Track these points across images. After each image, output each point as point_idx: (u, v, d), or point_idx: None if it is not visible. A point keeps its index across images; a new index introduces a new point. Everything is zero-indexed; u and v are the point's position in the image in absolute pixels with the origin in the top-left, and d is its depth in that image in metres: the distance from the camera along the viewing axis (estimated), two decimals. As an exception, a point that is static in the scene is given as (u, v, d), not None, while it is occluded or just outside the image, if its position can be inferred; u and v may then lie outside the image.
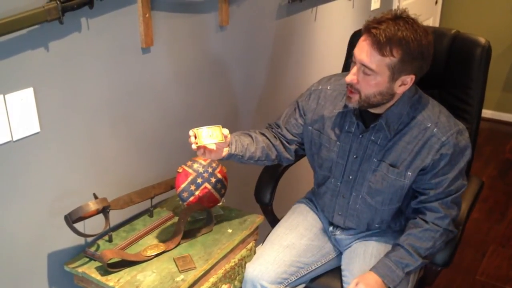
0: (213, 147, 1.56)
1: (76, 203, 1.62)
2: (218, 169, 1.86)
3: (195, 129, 1.57)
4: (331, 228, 1.82)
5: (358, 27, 2.10)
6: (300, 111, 1.77)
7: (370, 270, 1.59)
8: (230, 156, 1.65)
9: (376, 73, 1.45)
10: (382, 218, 1.69)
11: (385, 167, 1.59)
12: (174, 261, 1.64)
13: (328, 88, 1.72)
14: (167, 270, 1.60)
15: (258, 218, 1.89)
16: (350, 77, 1.50)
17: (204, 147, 1.57)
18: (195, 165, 1.83)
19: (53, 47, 1.45)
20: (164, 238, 1.76)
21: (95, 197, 1.65)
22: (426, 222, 1.59)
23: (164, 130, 1.95)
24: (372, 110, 1.58)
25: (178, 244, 1.72)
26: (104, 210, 1.63)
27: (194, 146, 1.55)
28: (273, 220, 2.05)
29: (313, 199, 1.93)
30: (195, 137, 1.56)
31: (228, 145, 1.63)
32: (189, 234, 1.77)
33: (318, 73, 2.98)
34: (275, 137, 1.80)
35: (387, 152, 1.58)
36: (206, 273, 1.64)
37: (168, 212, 1.91)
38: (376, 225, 1.72)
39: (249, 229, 1.83)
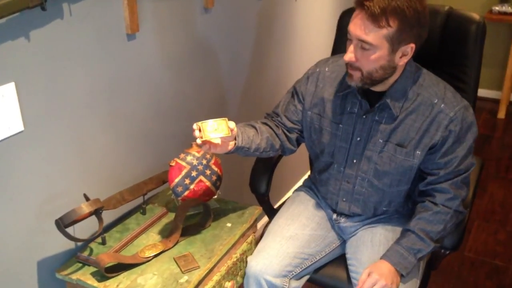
0: (219, 141, 1.46)
1: (65, 205, 1.50)
2: (212, 161, 1.76)
3: (200, 122, 1.47)
4: (334, 216, 1.75)
5: (343, 6, 2.03)
6: (298, 96, 1.68)
7: (381, 259, 1.54)
8: (236, 149, 1.56)
9: (375, 47, 1.38)
10: (390, 200, 1.63)
11: (392, 147, 1.53)
12: (175, 261, 1.54)
13: (327, 70, 1.64)
14: (168, 271, 1.50)
15: (256, 210, 1.80)
16: (348, 56, 1.42)
17: (209, 142, 1.47)
18: (189, 158, 1.73)
19: (35, 37, 1.32)
20: (161, 236, 1.66)
21: (86, 198, 1.53)
22: (436, 204, 1.54)
23: (153, 121, 1.84)
24: (375, 88, 1.51)
25: (177, 243, 1.62)
26: (97, 212, 1.52)
27: (199, 141, 1.45)
28: (270, 210, 1.97)
29: (312, 187, 1.85)
30: (200, 131, 1.45)
31: (234, 138, 1.53)
32: (187, 230, 1.67)
33: (301, 53, 2.91)
34: (277, 126, 1.71)
35: (393, 131, 1.52)
36: (210, 271, 1.55)
37: (161, 208, 1.80)
38: (384, 208, 1.66)
39: (248, 222, 1.74)
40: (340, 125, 1.59)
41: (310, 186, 1.87)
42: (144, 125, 1.80)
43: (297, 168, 3.08)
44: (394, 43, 1.37)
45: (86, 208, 1.46)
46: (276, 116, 1.73)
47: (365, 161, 1.58)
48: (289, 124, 1.70)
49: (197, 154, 1.74)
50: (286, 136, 1.71)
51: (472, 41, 1.83)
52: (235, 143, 1.55)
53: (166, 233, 1.67)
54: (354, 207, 1.68)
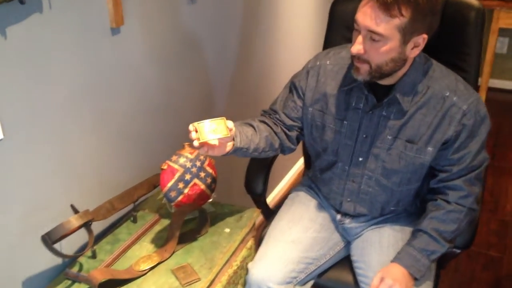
0: (216, 142, 1.35)
1: (50, 217, 1.38)
2: (206, 162, 1.65)
3: (196, 123, 1.35)
4: (338, 217, 1.66)
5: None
6: (298, 91, 1.58)
7: (393, 262, 1.45)
8: (235, 150, 1.45)
9: (385, 38, 1.28)
10: (398, 199, 1.55)
11: (402, 144, 1.44)
12: (173, 273, 1.43)
13: (328, 63, 1.53)
14: (167, 285, 1.39)
15: (255, 213, 1.70)
16: (356, 48, 1.32)
17: (207, 144, 1.36)
18: (181, 160, 1.61)
19: (12, 33, 1.18)
20: (155, 246, 1.54)
21: (74, 209, 1.40)
22: (449, 202, 1.46)
23: (142, 121, 1.71)
24: (382, 82, 1.41)
25: (173, 252, 1.51)
26: (86, 224, 1.39)
27: (196, 144, 1.34)
28: (267, 212, 1.87)
29: (313, 186, 1.76)
30: (196, 132, 1.34)
31: (232, 139, 1.42)
32: (183, 238, 1.56)
33: (288, 42, 2.81)
34: (275, 124, 1.60)
35: (403, 127, 1.43)
36: (211, 283, 1.44)
37: (153, 215, 1.68)
38: (392, 208, 1.58)
39: (247, 226, 1.64)
40: (345, 122, 1.50)
41: (310, 186, 1.77)
42: (131, 126, 1.67)
43: (285, 163, 2.98)
44: (406, 33, 1.28)
45: (75, 221, 1.33)
46: (274, 113, 1.62)
47: (372, 159, 1.49)
48: (289, 122, 1.60)
49: (190, 156, 1.62)
50: (286, 134, 1.60)
51: (472, 28, 1.74)
52: (233, 144, 1.45)
53: (160, 242, 1.55)
54: (359, 207, 1.59)
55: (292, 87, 1.60)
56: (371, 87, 1.43)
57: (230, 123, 1.40)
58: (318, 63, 1.55)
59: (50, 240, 1.28)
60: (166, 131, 1.84)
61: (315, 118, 1.55)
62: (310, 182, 1.78)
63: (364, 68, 1.34)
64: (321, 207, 1.70)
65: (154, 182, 1.69)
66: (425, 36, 1.31)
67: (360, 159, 1.51)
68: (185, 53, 1.86)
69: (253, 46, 2.43)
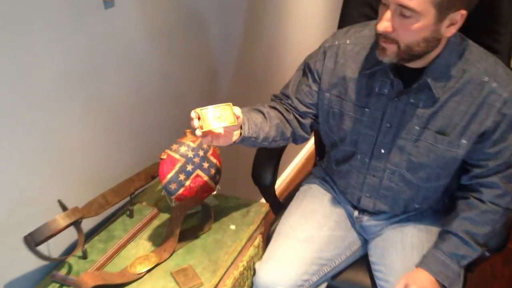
0: (221, 131, 1.19)
1: (36, 214, 1.23)
2: (210, 151, 1.49)
3: (199, 109, 1.19)
4: (356, 213, 1.51)
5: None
6: (313, 74, 1.41)
7: (418, 267, 1.30)
8: (242, 140, 1.29)
9: (418, 14, 1.10)
10: (424, 196, 1.39)
11: (431, 135, 1.27)
12: (173, 276, 1.28)
13: (348, 42, 1.36)
14: (166, 290, 1.25)
15: (263, 207, 1.55)
16: (384, 25, 1.14)
17: (211, 133, 1.20)
18: (182, 149, 1.45)
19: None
20: (153, 244, 1.40)
21: (62, 205, 1.25)
22: (483, 202, 1.30)
23: (138, 106, 1.55)
24: (411, 65, 1.24)
25: (173, 252, 1.36)
26: (76, 222, 1.24)
27: (199, 132, 1.18)
28: (275, 205, 1.71)
29: (327, 179, 1.60)
30: (199, 119, 1.18)
31: (240, 127, 1.26)
32: (184, 236, 1.41)
33: (298, 19, 2.62)
34: (287, 110, 1.44)
35: (433, 116, 1.26)
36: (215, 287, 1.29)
37: (150, 209, 1.53)
38: (416, 206, 1.42)
39: (255, 222, 1.49)
40: (366, 109, 1.33)
41: (324, 178, 1.61)
42: (127, 111, 1.51)
43: (292, 148, 2.82)
44: (442, 9, 1.10)
45: (62, 220, 1.18)
46: (286, 98, 1.46)
47: (397, 152, 1.33)
48: (302, 108, 1.43)
49: (192, 144, 1.47)
50: (299, 121, 1.44)
51: (506, 4, 1.56)
52: (240, 133, 1.29)
53: (159, 241, 1.40)
54: (380, 203, 1.44)
55: (307, 69, 1.43)
56: (397, 71, 1.26)
57: (237, 110, 1.24)
58: (336, 42, 1.37)
59: (33, 241, 1.13)
60: (166, 117, 1.68)
61: (332, 104, 1.38)
62: (324, 174, 1.62)
63: (392, 48, 1.17)
64: (336, 202, 1.55)
65: (152, 173, 1.54)
66: (463, 12, 1.14)
67: (383, 151, 1.35)
68: (186, 31, 1.69)
69: (261, 23, 2.24)
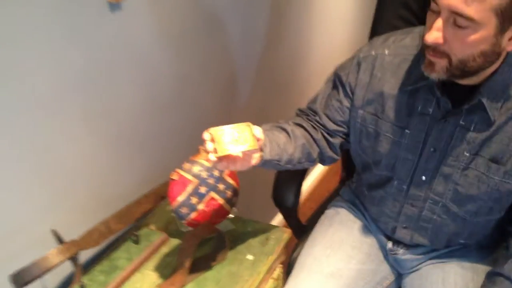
0: (239, 154, 1.03)
1: (26, 246, 1.08)
2: (226, 171, 1.33)
3: (213, 129, 1.03)
4: (390, 245, 1.33)
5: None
6: (345, 88, 1.23)
7: (464, 314, 1.13)
8: (263, 163, 1.13)
9: (476, 24, 0.91)
10: (471, 231, 1.22)
11: (483, 164, 1.09)
12: (181, 318, 1.13)
13: (387, 53, 1.18)
14: (173, 335, 1.09)
15: (285, 234, 1.38)
16: (433, 36, 0.96)
17: (227, 158, 1.04)
18: (195, 168, 1.29)
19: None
20: (161, 276, 1.24)
21: (57, 237, 1.10)
22: (542, 241, 1.12)
23: (148, 118, 1.39)
24: (463, 82, 1.06)
25: (182, 287, 1.21)
26: (72, 257, 1.09)
27: (212, 157, 1.02)
28: (298, 228, 1.55)
29: (357, 203, 1.43)
30: (213, 141, 1.02)
31: (260, 149, 1.10)
32: (195, 266, 1.25)
33: (326, 19, 2.43)
34: (314, 128, 1.27)
35: (487, 142, 1.08)
36: (229, 332, 1.14)
37: (159, 234, 1.37)
38: (461, 241, 1.24)
39: (275, 252, 1.32)
40: (406, 131, 1.15)
41: (354, 202, 1.44)
42: (135, 124, 1.35)
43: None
44: (506, 18, 0.92)
45: (54, 258, 1.03)
46: (313, 114, 1.29)
47: (441, 180, 1.15)
48: (332, 126, 1.26)
49: (206, 163, 1.31)
50: (327, 141, 1.27)
51: None
52: (261, 156, 1.12)
53: (167, 271, 1.25)
54: (418, 236, 1.26)
55: (338, 82, 1.25)
56: (444, 87, 1.08)
57: (258, 130, 1.08)
58: (373, 52, 1.20)
59: (21, 281, 0.98)
60: (178, 130, 1.52)
61: (367, 123, 1.21)
62: (354, 197, 1.45)
63: (441, 63, 0.99)
64: (367, 231, 1.38)
65: (161, 193, 1.38)
66: None
67: (424, 178, 1.17)
68: (202, 32, 1.52)
69: (285, 24, 2.07)
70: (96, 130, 1.22)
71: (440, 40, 0.95)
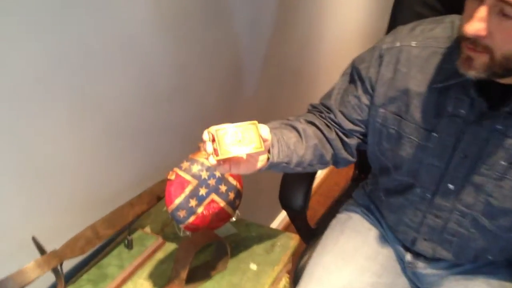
0: (243, 156, 0.91)
1: (5, 254, 0.96)
2: (229, 171, 1.20)
3: (214, 128, 0.91)
4: (408, 257, 1.21)
5: None
6: (364, 83, 1.09)
7: None
8: (270, 166, 1.01)
9: None
10: (502, 247, 1.09)
11: None
12: (176, 337, 1.01)
13: (413, 44, 1.04)
14: None
15: (292, 240, 1.26)
16: (475, 27, 0.82)
17: (229, 160, 0.92)
18: (195, 168, 1.17)
19: None
20: (155, 286, 1.13)
21: (38, 246, 0.98)
22: None
23: (143, 111, 1.26)
24: (504, 80, 0.92)
25: (178, 300, 1.09)
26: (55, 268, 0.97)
27: (213, 160, 0.90)
28: (306, 232, 1.43)
29: (372, 208, 1.30)
30: (213, 141, 0.90)
31: (268, 150, 0.98)
32: (192, 275, 1.14)
33: (336, 7, 2.28)
34: (328, 126, 1.13)
35: None
36: None
37: (154, 238, 1.25)
38: (489, 257, 1.12)
39: (281, 261, 1.21)
40: (434, 134, 1.02)
41: (368, 207, 1.31)
42: (128, 118, 1.22)
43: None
44: None
45: (33, 272, 0.91)
46: (327, 111, 1.15)
47: (471, 190, 1.02)
48: (348, 125, 1.12)
49: (206, 162, 1.18)
50: (342, 141, 1.14)
51: None
52: (268, 158, 1.00)
53: (162, 281, 1.14)
54: (441, 250, 1.13)
55: (356, 76, 1.12)
56: (480, 86, 0.94)
57: (265, 130, 0.95)
58: (397, 44, 1.05)
59: (-7, 298, 0.87)
60: (176, 125, 1.39)
61: (388, 123, 1.07)
62: (369, 201, 1.32)
63: (482, 59, 0.85)
64: (383, 240, 1.25)
65: (158, 193, 1.26)
66: None
67: (451, 187, 1.04)
68: (204, 17, 1.39)
69: (295, 8, 1.92)
70: (82, 125, 1.09)
71: (483, 32, 0.82)
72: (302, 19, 1.98)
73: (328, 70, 2.28)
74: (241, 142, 0.92)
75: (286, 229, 2.33)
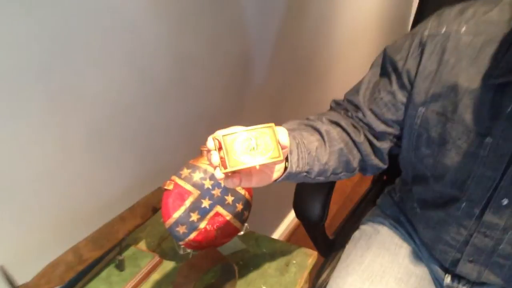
0: (256, 166, 0.73)
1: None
2: (236, 178, 1.03)
3: (221, 133, 0.73)
4: (448, 280, 1.03)
5: None
6: (400, 77, 0.91)
7: None
8: (288, 177, 0.83)
9: None
10: None
11: None
12: None
13: (463, 30, 0.85)
14: None
15: (310, 258, 1.09)
16: None
17: (239, 173, 0.75)
18: (197, 176, 1.00)
19: None
20: (149, 318, 0.96)
21: (7, 277, 0.80)
22: None
23: (136, 109, 1.08)
24: None
25: (177, 335, 0.92)
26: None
27: (219, 174, 0.72)
28: (324, 246, 1.25)
29: (403, 221, 1.12)
30: (220, 149, 0.72)
31: (286, 158, 0.80)
32: (194, 304, 0.96)
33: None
34: (356, 128, 0.95)
35: None
36: None
37: (150, 256, 1.08)
38: (546, 284, 0.94)
39: (298, 284, 1.03)
40: (488, 139, 0.83)
41: (398, 219, 1.13)
42: (116, 116, 1.04)
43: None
44: None
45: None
46: (355, 109, 0.97)
47: (531, 207, 0.84)
48: (379, 127, 0.94)
49: (210, 169, 1.01)
50: (372, 145, 0.96)
51: None
52: (285, 167, 0.82)
53: (158, 311, 0.96)
54: (489, 273, 0.96)
55: (390, 68, 0.93)
56: None
57: (283, 135, 0.76)
58: (443, 29, 0.87)
59: None
60: (175, 124, 1.21)
61: (430, 126, 0.89)
62: (398, 212, 1.14)
63: None
64: (417, 258, 1.07)
65: (153, 204, 1.08)
66: None
67: (505, 202, 0.86)
68: (209, 2, 1.20)
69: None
70: (61, 124, 0.91)
71: None
72: (315, 4, 1.79)
73: (343, 58, 2.09)
74: (254, 150, 0.74)
75: (290, 238, 2.14)
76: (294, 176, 0.85)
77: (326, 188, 1.19)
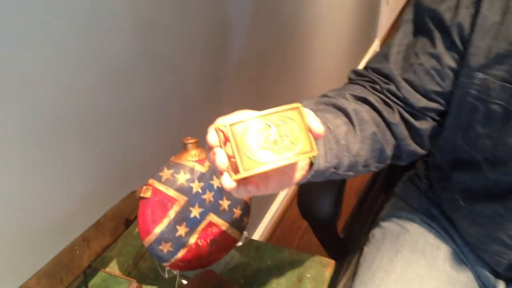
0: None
1: None
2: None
3: (227, 122, 0.52)
4: (501, 287, 0.84)
5: None
6: (448, 34, 0.69)
7: None
8: (314, 175, 0.62)
9: None
10: None
11: None
12: None
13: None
14: None
15: (327, 268, 0.87)
16: None
17: (256, 179, 0.54)
18: (181, 177, 0.77)
19: None
20: None
21: None
22: None
23: (94, 92, 0.83)
24: None
25: None
26: None
27: (229, 183, 0.50)
28: (336, 248, 1.04)
29: (435, 215, 0.92)
30: (226, 143, 0.49)
31: None
32: None
33: None
34: (387, 105, 0.73)
35: None
36: None
37: (124, 283, 0.84)
38: None
39: (317, 304, 0.82)
40: None
41: (430, 213, 0.93)
42: (68, 102, 0.79)
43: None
44: None
45: None
46: (385, 81, 0.74)
47: None
48: (419, 102, 0.72)
49: (199, 167, 0.78)
50: (409, 126, 0.74)
51: None
52: (310, 164, 0.60)
53: None
54: (558, 279, 0.77)
55: (430, 23, 0.71)
56: None
57: (313, 119, 0.54)
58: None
59: None
60: (145, 108, 0.97)
61: (490, 96, 0.68)
62: (429, 204, 0.93)
63: None
64: (459, 262, 0.87)
65: (125, 215, 0.84)
66: None
67: None
68: None
69: None
70: (14, 114, 0.66)
71: None
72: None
73: (328, 26, 1.86)
74: (276, 143, 0.52)
75: (270, 238, 1.87)
76: (320, 175, 0.63)
77: (337, 184, 0.97)
